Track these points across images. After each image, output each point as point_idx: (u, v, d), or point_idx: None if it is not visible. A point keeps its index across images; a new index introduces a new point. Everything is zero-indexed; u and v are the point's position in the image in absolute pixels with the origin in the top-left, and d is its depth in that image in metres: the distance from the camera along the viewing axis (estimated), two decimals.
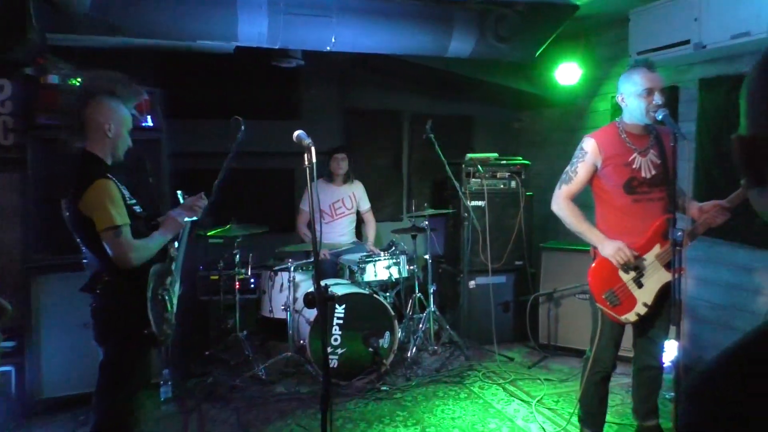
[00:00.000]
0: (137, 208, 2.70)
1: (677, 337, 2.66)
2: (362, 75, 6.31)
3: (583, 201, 3.11)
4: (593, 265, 3.08)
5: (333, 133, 6.17)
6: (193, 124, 5.67)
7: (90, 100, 2.62)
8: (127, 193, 2.66)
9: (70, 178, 2.56)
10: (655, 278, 2.99)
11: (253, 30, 4.19)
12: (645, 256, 2.99)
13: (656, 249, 2.99)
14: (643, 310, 3.00)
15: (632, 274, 3.00)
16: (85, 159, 2.60)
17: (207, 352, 4.83)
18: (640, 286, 3.00)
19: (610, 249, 2.96)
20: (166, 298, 2.69)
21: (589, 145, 3.05)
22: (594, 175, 3.08)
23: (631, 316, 3.01)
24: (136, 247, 2.54)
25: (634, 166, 2.99)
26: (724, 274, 4.37)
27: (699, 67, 4.46)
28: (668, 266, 2.94)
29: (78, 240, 2.61)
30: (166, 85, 5.53)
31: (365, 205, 5.79)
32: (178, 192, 3.17)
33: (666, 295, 2.97)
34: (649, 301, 2.99)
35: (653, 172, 2.99)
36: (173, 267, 2.81)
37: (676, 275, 2.63)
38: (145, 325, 2.54)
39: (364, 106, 6.53)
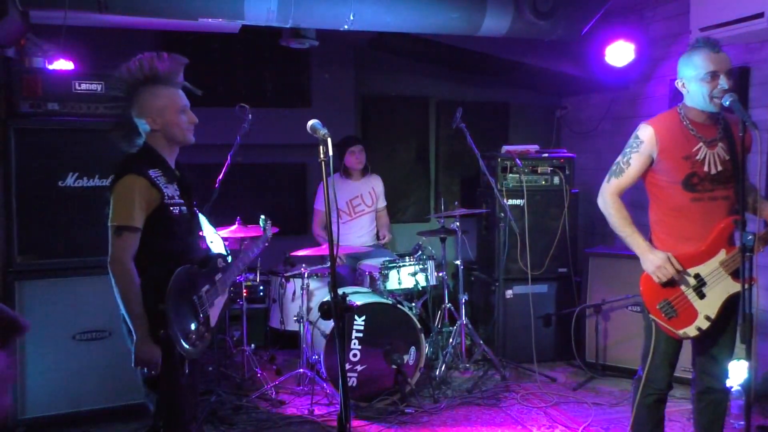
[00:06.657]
0: (182, 209, 2.74)
1: (747, 357, 2.62)
2: (382, 57, 6.29)
3: (634, 200, 3.08)
4: None
5: (348, 122, 6.18)
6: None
7: (131, 100, 2.69)
8: (169, 192, 2.67)
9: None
10: (720, 288, 2.95)
11: (262, 7, 4.20)
12: (707, 263, 2.95)
13: (721, 255, 2.94)
14: (705, 324, 2.95)
15: (693, 282, 2.95)
16: (139, 150, 2.73)
17: (210, 368, 4.84)
18: (701, 296, 2.96)
19: (651, 264, 2.94)
20: (198, 307, 2.69)
21: (645, 133, 3.01)
22: (649, 168, 3.04)
23: (690, 331, 2.96)
24: (126, 260, 2.56)
25: (697, 158, 2.94)
26: None
27: None
28: (735, 275, 2.90)
29: None
30: None
31: (383, 201, 5.85)
32: (261, 217, 3.28)
33: (733, 307, 2.92)
34: (713, 314, 2.94)
35: (719, 168, 2.94)
36: (216, 277, 2.85)
37: (746, 286, 2.59)
38: (164, 325, 2.51)
39: (383, 91, 6.52)
